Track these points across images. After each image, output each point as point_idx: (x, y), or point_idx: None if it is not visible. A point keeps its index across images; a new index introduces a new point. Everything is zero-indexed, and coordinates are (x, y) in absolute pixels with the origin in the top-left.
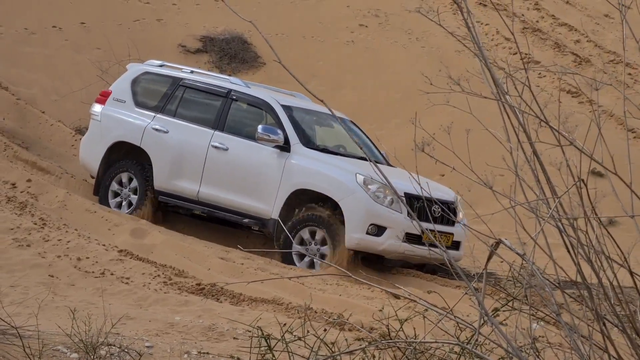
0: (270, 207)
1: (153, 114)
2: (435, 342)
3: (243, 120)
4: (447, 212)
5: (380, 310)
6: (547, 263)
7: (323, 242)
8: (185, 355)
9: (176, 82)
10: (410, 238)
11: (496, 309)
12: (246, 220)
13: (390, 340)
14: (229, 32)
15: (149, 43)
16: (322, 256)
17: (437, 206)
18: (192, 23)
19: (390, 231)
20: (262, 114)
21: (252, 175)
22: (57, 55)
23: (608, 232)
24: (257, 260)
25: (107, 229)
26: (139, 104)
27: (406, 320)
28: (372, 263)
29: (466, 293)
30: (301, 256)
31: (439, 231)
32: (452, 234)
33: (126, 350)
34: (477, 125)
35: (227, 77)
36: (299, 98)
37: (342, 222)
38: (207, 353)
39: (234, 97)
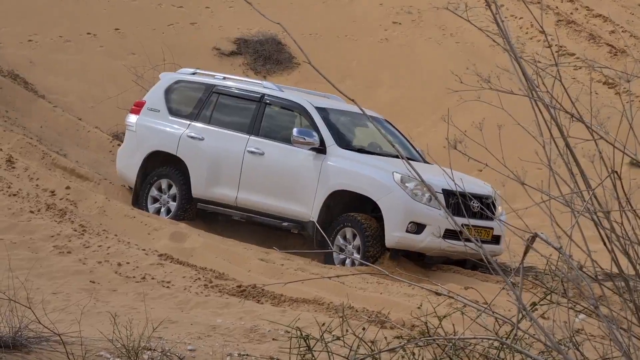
0: (308, 209)
1: (188, 122)
2: (474, 337)
3: (278, 124)
4: (484, 207)
5: (419, 308)
6: (586, 258)
7: (362, 242)
8: (228, 358)
9: (209, 89)
10: (450, 234)
11: (534, 303)
12: (285, 223)
13: (429, 338)
14: (262, 34)
15: (183, 47)
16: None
17: (475, 201)
18: (226, 26)
19: (430, 228)
20: (296, 117)
21: (289, 179)
22: (92, 62)
23: None
24: (297, 260)
25: (147, 234)
26: (173, 113)
27: (445, 317)
28: (412, 260)
29: (503, 288)
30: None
31: (478, 226)
32: (492, 229)
33: (168, 354)
34: (510, 121)
35: (260, 81)
36: (333, 99)
37: (382, 222)
38: (249, 355)
39: (268, 102)
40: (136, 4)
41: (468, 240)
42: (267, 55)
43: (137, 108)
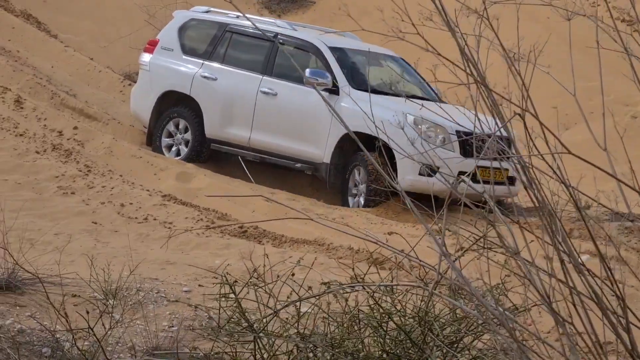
0: (321, 151)
1: (201, 61)
2: (397, 284)
3: (291, 64)
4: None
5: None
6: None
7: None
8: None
9: (223, 28)
10: (470, 177)
11: (462, 248)
12: (298, 165)
13: (350, 284)
14: None
15: None
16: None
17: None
18: None
19: (447, 172)
20: (310, 57)
21: (302, 120)
22: (105, 2)
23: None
24: (302, 201)
25: (153, 174)
26: (187, 52)
27: (382, 262)
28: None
29: (426, 233)
30: (354, 197)
31: (492, 167)
32: (507, 169)
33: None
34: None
35: (274, 20)
36: (349, 38)
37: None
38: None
39: (281, 41)
40: None
41: (486, 182)
42: None
43: (151, 47)
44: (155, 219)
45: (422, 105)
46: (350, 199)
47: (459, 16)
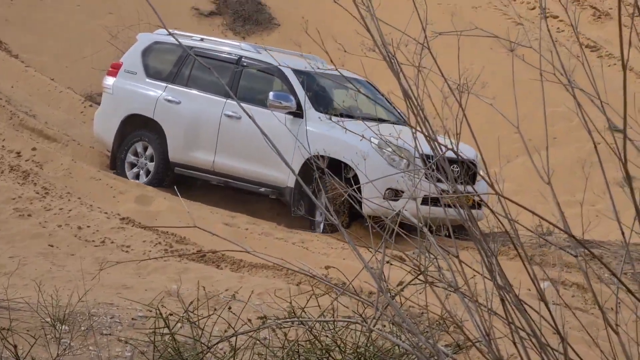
0: (285, 175)
1: (165, 84)
2: (336, 320)
3: (255, 87)
4: (466, 172)
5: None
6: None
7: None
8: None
9: (187, 51)
10: (433, 201)
11: (401, 283)
12: (262, 189)
13: (284, 320)
14: None
15: (161, 7)
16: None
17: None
18: None
19: (407, 195)
20: (273, 80)
21: (266, 144)
22: (69, 21)
23: None
24: (263, 225)
25: (112, 197)
26: (150, 75)
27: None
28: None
29: (365, 267)
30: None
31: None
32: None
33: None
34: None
35: (238, 43)
36: (313, 61)
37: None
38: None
39: (245, 64)
40: None
41: (449, 206)
42: (246, 15)
43: (114, 70)
44: (112, 242)
45: (398, 131)
46: (317, 224)
47: (400, 47)
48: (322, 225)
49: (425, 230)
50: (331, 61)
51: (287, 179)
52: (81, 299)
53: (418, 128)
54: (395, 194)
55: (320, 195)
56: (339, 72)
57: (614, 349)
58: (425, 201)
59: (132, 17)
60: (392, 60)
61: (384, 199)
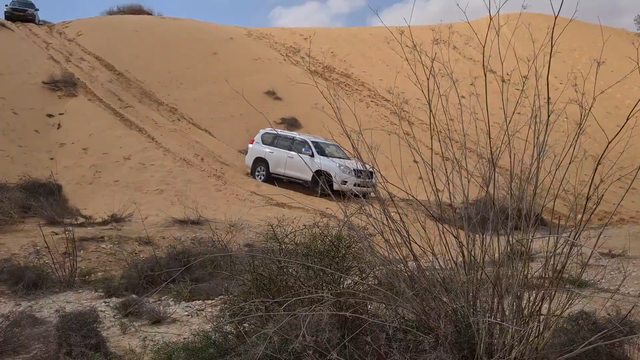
0: (309, 176)
1: (269, 147)
2: (328, 221)
3: (298, 147)
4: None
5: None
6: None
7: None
8: None
9: (276, 135)
10: (357, 185)
11: (351, 214)
12: (300, 181)
13: (309, 226)
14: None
15: (264, 120)
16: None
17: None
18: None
19: (349, 183)
20: (304, 144)
21: (302, 165)
22: (230, 108)
23: None
24: (300, 194)
25: (248, 184)
26: (264, 143)
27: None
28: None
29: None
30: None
31: (365, 182)
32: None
33: None
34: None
35: (295, 133)
36: (320, 138)
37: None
38: None
39: (295, 139)
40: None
41: (362, 187)
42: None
43: (252, 141)
44: (247, 200)
45: (345, 161)
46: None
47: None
48: (319, 194)
49: (359, 195)
50: (331, 137)
51: (309, 177)
52: (238, 219)
53: (353, 160)
54: (345, 182)
55: (320, 182)
56: (327, 140)
57: None
58: (355, 185)
59: (259, 122)
60: (352, 142)
61: (341, 184)
